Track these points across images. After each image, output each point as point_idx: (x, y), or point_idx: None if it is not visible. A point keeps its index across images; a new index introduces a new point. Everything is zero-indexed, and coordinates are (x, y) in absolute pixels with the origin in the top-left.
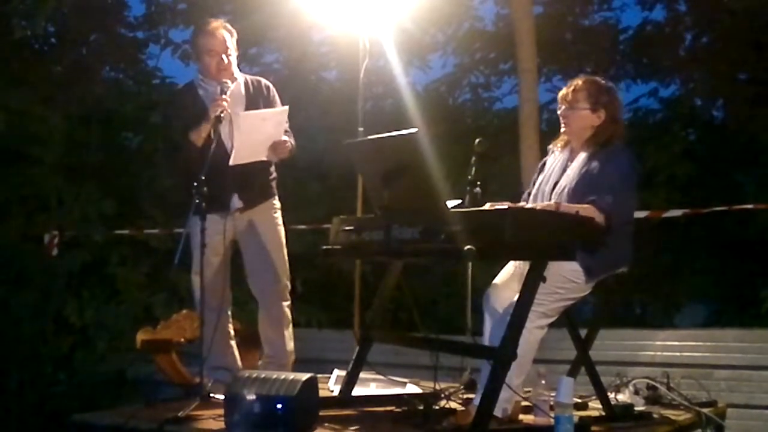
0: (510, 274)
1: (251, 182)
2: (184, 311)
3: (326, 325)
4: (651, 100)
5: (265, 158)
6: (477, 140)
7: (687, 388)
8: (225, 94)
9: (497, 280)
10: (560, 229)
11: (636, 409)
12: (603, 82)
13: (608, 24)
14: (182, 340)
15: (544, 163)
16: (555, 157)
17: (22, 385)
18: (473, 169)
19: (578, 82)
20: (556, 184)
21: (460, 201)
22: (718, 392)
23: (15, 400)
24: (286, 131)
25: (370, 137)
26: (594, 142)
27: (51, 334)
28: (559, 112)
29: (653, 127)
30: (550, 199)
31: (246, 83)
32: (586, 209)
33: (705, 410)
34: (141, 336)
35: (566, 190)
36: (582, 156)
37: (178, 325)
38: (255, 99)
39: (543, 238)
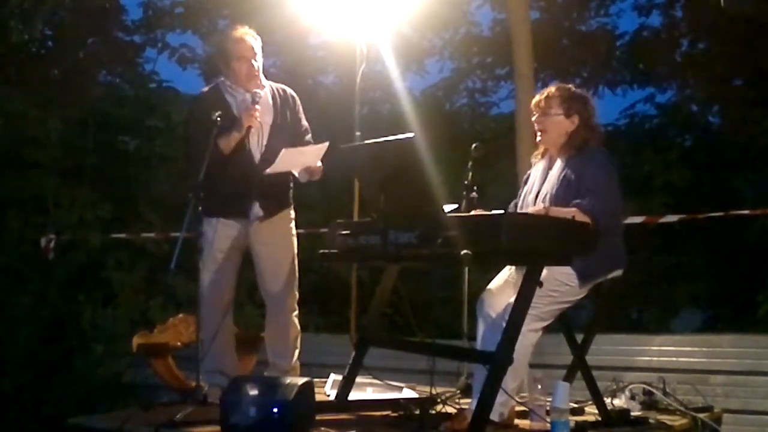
0: (504, 280)
1: (273, 192)
2: (181, 315)
3: (323, 330)
4: (647, 106)
5: (296, 175)
6: (474, 145)
7: (683, 394)
8: (257, 104)
9: (492, 285)
10: (556, 233)
11: (632, 414)
12: (576, 90)
13: (605, 29)
14: (179, 344)
15: (529, 176)
16: (537, 167)
17: (19, 389)
18: (470, 173)
19: (551, 89)
20: (538, 192)
21: (456, 206)
22: (714, 397)
23: (11, 404)
24: (320, 172)
25: (367, 142)
26: (569, 147)
27: (47, 338)
28: (533, 119)
29: (649, 133)
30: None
31: (273, 92)
32: (574, 213)
33: (701, 415)
34: (137, 340)
35: (548, 196)
36: (559, 162)
37: (175, 329)
38: (283, 109)
39: (539, 243)
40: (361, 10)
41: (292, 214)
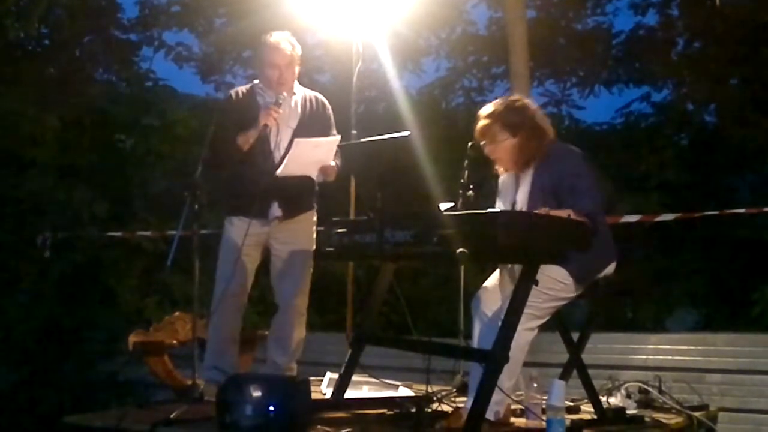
0: (500, 278)
1: (293, 193)
2: (177, 313)
3: (319, 328)
4: (643, 105)
5: (313, 176)
6: (470, 144)
7: (678, 392)
8: (279, 105)
9: (487, 283)
10: (552, 232)
11: (628, 412)
12: (509, 101)
13: (601, 28)
14: (175, 342)
15: (500, 184)
16: (505, 177)
17: (15, 387)
18: (466, 172)
19: (486, 114)
20: (513, 203)
21: (452, 204)
22: (709, 396)
23: (7, 402)
24: (335, 171)
25: (363, 140)
26: (525, 161)
27: (43, 336)
28: (485, 150)
29: (646, 132)
30: None
31: (303, 99)
32: (570, 213)
33: (696, 414)
34: (133, 338)
35: (524, 209)
36: (528, 174)
37: (171, 328)
38: (310, 116)
39: (535, 242)
40: (358, 9)
41: (314, 218)
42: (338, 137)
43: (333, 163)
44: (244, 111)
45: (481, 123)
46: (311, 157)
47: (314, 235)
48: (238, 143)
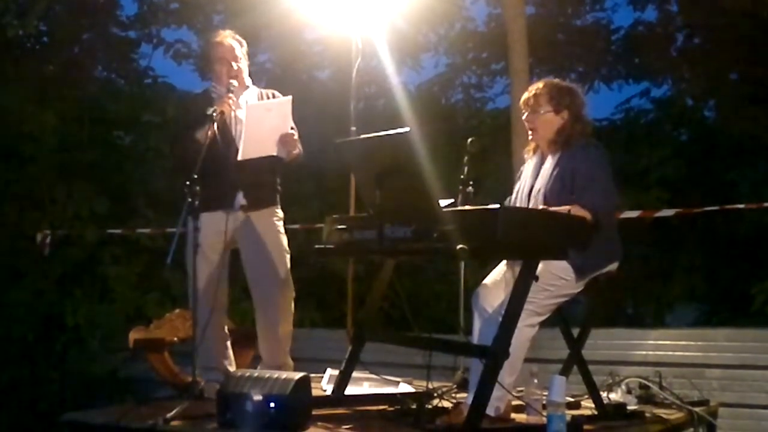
0: (500, 275)
1: (257, 182)
2: (177, 310)
3: (319, 325)
4: (643, 101)
5: (275, 153)
6: (469, 140)
7: (679, 388)
8: (230, 92)
9: (487, 280)
10: (552, 228)
11: (628, 408)
12: (564, 83)
13: (600, 24)
14: (175, 339)
15: (521, 171)
16: (529, 163)
17: (15, 384)
18: (465, 168)
19: (539, 85)
20: (531, 188)
21: (452, 200)
22: (710, 391)
23: (7, 399)
24: (294, 139)
25: (362, 136)
26: (558, 142)
27: (43, 333)
28: (523, 117)
29: (645, 127)
30: (528, 204)
31: (260, 95)
32: (575, 209)
33: (697, 409)
34: (134, 335)
35: (541, 192)
36: (551, 158)
37: (171, 325)
38: None
39: (535, 238)
40: (357, 5)
41: (280, 213)
42: (290, 98)
43: (291, 131)
44: (200, 110)
45: (531, 92)
46: (267, 123)
47: (281, 230)
48: (197, 138)
